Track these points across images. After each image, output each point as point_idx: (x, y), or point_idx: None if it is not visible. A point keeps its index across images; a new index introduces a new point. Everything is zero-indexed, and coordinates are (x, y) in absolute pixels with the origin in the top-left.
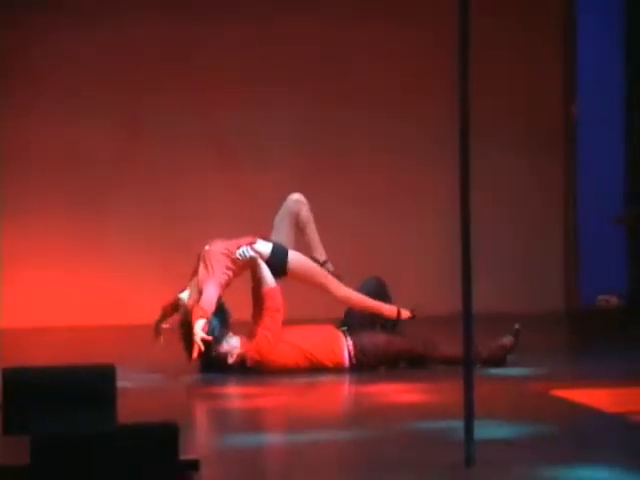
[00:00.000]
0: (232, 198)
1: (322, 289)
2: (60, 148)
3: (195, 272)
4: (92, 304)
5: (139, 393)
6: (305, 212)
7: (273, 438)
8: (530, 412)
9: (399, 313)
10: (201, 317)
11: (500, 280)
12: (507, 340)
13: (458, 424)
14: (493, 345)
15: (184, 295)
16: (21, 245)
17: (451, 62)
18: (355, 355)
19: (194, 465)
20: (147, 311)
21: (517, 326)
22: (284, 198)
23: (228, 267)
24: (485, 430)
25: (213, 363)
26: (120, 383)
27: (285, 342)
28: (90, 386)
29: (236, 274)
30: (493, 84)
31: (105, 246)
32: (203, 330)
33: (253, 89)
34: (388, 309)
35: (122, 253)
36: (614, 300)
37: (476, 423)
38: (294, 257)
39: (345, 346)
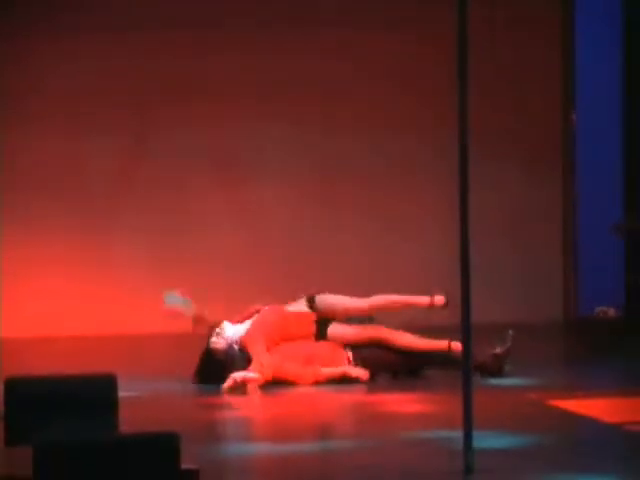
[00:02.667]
0: (233, 212)
1: (353, 312)
2: (62, 160)
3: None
4: (93, 314)
5: (140, 402)
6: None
7: (272, 448)
8: (528, 422)
9: (432, 300)
10: (260, 374)
11: (499, 290)
12: (500, 349)
13: (457, 434)
14: (487, 355)
15: (227, 327)
16: (22, 255)
17: (450, 75)
18: (354, 360)
19: (194, 475)
20: (147, 321)
21: (511, 332)
22: (285, 211)
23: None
24: (484, 439)
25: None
26: (121, 393)
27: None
28: (91, 396)
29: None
30: (491, 96)
31: (106, 256)
32: (249, 383)
33: (254, 104)
34: (421, 298)
35: (123, 263)
36: (612, 311)
37: (475, 433)
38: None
39: (345, 356)
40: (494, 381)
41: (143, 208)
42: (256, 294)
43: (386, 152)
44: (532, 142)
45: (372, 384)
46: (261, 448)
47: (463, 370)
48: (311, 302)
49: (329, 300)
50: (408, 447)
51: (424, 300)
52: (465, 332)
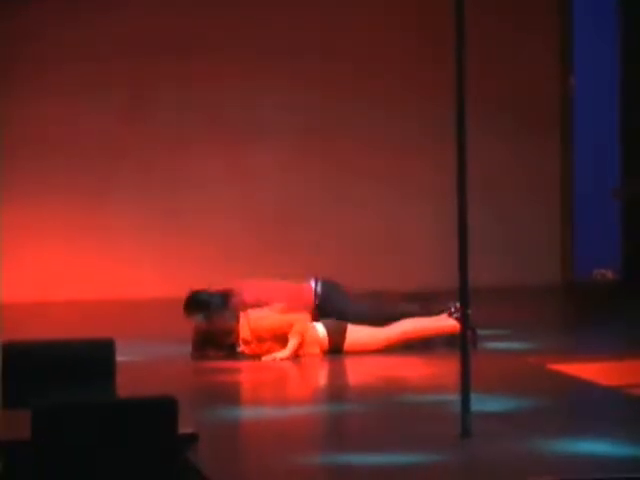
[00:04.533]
0: (232, 172)
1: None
2: (60, 126)
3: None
4: (92, 279)
5: (138, 367)
6: None
7: (271, 412)
8: (526, 385)
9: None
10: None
11: (496, 254)
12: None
13: (455, 397)
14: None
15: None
16: (21, 222)
17: (449, 41)
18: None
19: (192, 438)
20: (146, 286)
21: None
22: (283, 171)
23: None
24: (481, 403)
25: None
26: (119, 357)
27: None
28: (89, 360)
29: None
30: (489, 63)
31: (105, 222)
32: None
33: (253, 62)
34: (443, 324)
35: (122, 228)
36: (610, 274)
37: (473, 396)
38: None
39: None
40: (493, 345)
41: (140, 169)
42: (255, 257)
43: (386, 113)
44: (530, 107)
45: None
46: (260, 412)
47: (460, 334)
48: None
49: (352, 337)
50: (406, 411)
51: (449, 327)
52: (462, 296)
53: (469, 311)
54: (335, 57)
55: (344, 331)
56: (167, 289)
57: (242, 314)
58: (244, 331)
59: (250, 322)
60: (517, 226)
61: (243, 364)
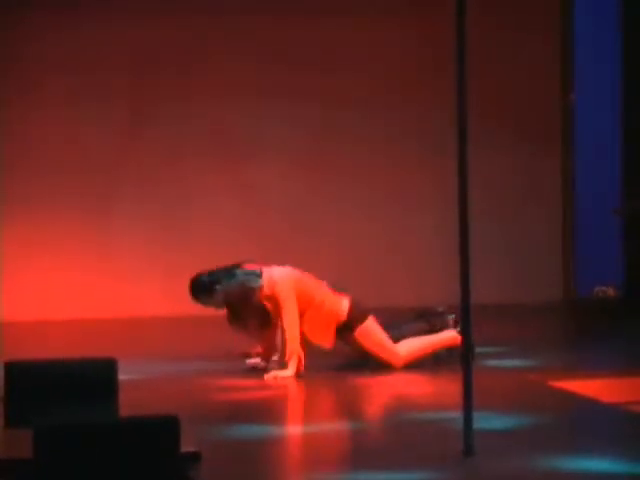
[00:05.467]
0: (233, 186)
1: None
2: (63, 144)
3: None
4: (94, 298)
5: (140, 386)
6: None
7: (275, 430)
8: (528, 403)
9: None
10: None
11: (498, 271)
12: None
13: (457, 415)
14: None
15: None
16: (23, 239)
17: (449, 53)
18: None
19: (195, 457)
20: (149, 304)
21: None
22: (284, 184)
23: None
24: (484, 420)
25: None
26: (121, 376)
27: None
28: (92, 379)
29: None
30: (490, 76)
31: (106, 239)
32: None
33: (253, 77)
34: (449, 338)
35: (123, 246)
36: (611, 291)
37: (475, 414)
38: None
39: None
40: (494, 362)
41: (141, 185)
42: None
43: (386, 124)
44: (531, 123)
45: (373, 365)
46: (263, 430)
47: (462, 350)
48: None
49: (370, 326)
50: (408, 428)
51: (449, 339)
52: (464, 313)
53: (458, 329)
54: (335, 71)
55: (366, 315)
56: (169, 307)
57: (265, 268)
58: (267, 286)
59: (274, 275)
60: (518, 243)
61: (247, 382)
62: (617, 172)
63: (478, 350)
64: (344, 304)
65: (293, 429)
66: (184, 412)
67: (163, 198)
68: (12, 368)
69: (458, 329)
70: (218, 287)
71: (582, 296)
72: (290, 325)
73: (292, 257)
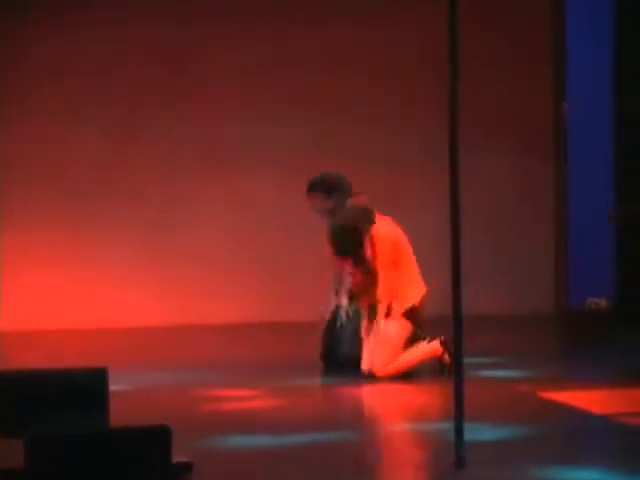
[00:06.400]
0: (223, 201)
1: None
2: (56, 155)
3: None
4: (86, 308)
5: (132, 396)
6: None
7: (264, 440)
8: (520, 414)
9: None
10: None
11: (490, 282)
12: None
13: (448, 426)
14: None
15: None
16: (18, 250)
17: (441, 64)
18: None
19: (187, 467)
20: (140, 315)
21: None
22: (275, 201)
23: None
24: (475, 432)
25: None
26: (112, 386)
27: None
28: (82, 389)
29: None
30: (482, 86)
31: (100, 250)
32: None
33: (249, 99)
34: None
35: (117, 255)
36: (603, 302)
37: (466, 425)
38: None
39: None
40: (486, 373)
41: (137, 203)
42: (247, 284)
43: (376, 140)
44: (524, 132)
45: (361, 376)
46: (254, 441)
47: (454, 362)
48: None
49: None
50: (399, 439)
51: (431, 350)
52: (456, 324)
53: (442, 337)
54: (333, 78)
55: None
56: (162, 317)
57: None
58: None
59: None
60: (510, 254)
61: (240, 392)
62: (610, 182)
63: (469, 361)
64: (421, 289)
65: (285, 440)
66: (176, 422)
67: (156, 210)
68: (2, 378)
69: (442, 339)
70: (334, 197)
71: (575, 307)
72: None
73: (286, 266)
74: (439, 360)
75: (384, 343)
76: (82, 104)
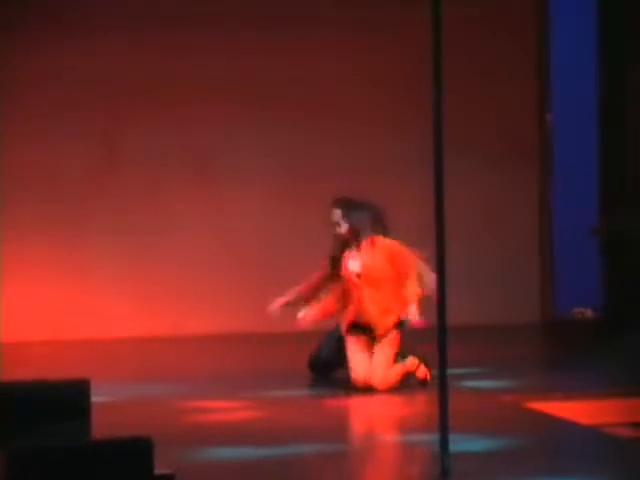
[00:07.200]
0: (207, 214)
1: None
2: (39, 165)
3: None
4: (67, 318)
5: (114, 408)
6: None
7: (248, 452)
8: (505, 425)
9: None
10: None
11: (476, 292)
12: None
13: (433, 437)
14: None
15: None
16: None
17: (425, 75)
18: None
19: (169, 479)
20: (124, 325)
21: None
22: (258, 212)
23: None
24: (460, 443)
25: None
26: (95, 398)
27: None
28: (64, 400)
29: None
30: (467, 97)
31: (83, 261)
32: None
33: (232, 105)
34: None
35: (99, 269)
36: (589, 312)
37: (451, 436)
38: None
39: None
40: (471, 383)
41: (120, 212)
42: (232, 294)
43: (359, 152)
44: (508, 143)
45: (347, 387)
46: (238, 452)
47: (439, 372)
48: None
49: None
50: (384, 451)
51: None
52: (440, 334)
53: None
54: (319, 84)
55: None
56: (145, 327)
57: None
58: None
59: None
60: (495, 263)
61: (222, 404)
62: (595, 192)
63: (454, 371)
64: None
65: (268, 451)
66: (158, 434)
67: (137, 226)
68: None
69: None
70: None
71: (560, 317)
72: None
73: (272, 276)
74: (415, 375)
75: (385, 356)
76: (66, 110)
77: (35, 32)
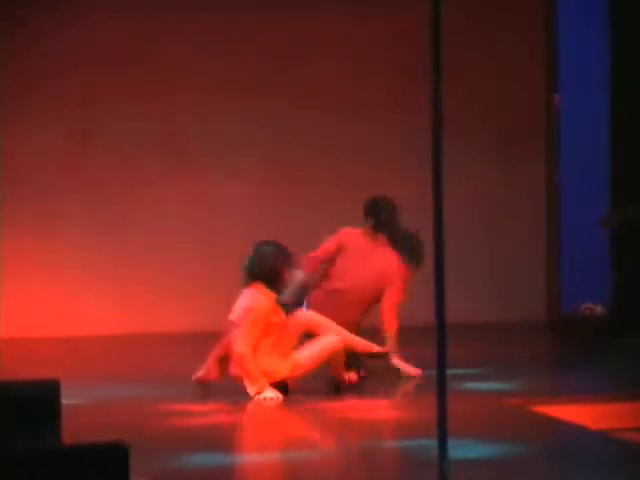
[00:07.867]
0: (188, 209)
1: None
2: (11, 155)
3: None
4: (40, 316)
5: (86, 410)
6: None
7: (230, 458)
8: (508, 429)
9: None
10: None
11: (481, 288)
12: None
13: (432, 442)
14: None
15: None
16: None
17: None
18: None
19: None
20: (94, 322)
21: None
22: (239, 205)
23: None
24: (461, 449)
25: None
26: (66, 400)
27: None
28: (33, 402)
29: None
30: (472, 80)
31: (57, 257)
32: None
33: (215, 95)
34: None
35: (74, 265)
36: (598, 309)
37: (451, 441)
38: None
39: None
40: (473, 385)
41: (94, 207)
42: (211, 290)
43: (352, 144)
44: (515, 132)
45: (343, 390)
46: (217, 459)
47: (437, 373)
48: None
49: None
50: (380, 457)
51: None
52: (440, 333)
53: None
54: (311, 69)
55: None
56: (118, 325)
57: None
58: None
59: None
60: (500, 258)
61: (201, 407)
62: (604, 180)
63: (454, 372)
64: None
65: (251, 458)
66: (134, 439)
67: (114, 221)
68: None
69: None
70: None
71: (568, 314)
72: None
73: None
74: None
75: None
76: (40, 103)
77: (13, 23)
